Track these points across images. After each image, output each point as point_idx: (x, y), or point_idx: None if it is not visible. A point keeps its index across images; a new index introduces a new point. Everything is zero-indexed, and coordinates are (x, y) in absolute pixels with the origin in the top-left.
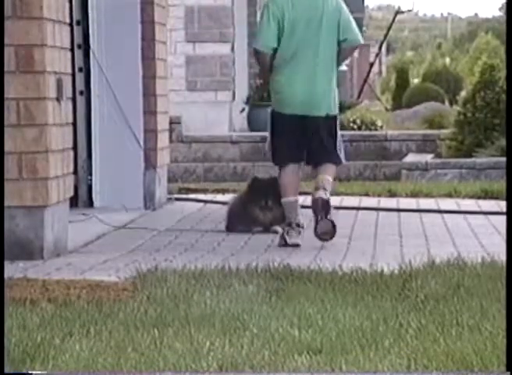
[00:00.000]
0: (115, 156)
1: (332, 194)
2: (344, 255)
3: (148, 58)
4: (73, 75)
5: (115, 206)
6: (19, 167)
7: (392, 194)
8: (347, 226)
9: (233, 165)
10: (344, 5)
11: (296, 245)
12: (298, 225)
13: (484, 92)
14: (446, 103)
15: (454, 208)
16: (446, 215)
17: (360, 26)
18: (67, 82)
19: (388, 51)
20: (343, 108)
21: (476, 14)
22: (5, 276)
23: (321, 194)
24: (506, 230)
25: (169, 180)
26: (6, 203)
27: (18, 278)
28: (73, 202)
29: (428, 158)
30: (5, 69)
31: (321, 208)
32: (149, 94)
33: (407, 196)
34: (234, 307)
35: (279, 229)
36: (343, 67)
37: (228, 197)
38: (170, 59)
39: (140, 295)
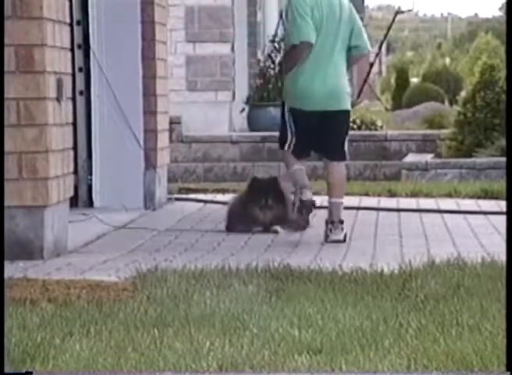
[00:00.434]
0: (115, 156)
1: None
2: (344, 255)
3: (148, 58)
4: (73, 75)
5: (115, 206)
6: (19, 167)
7: (392, 194)
8: (347, 226)
9: (233, 165)
10: (356, 14)
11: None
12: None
13: (484, 92)
14: (446, 103)
15: (454, 208)
16: (446, 215)
17: None
18: (67, 82)
19: (388, 51)
20: None
21: (476, 14)
22: (5, 276)
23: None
24: (506, 230)
25: (169, 180)
26: (6, 203)
27: (18, 278)
28: (73, 202)
29: (428, 158)
30: (5, 69)
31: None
32: (149, 94)
33: (407, 196)
34: (234, 307)
35: (278, 229)
36: None
37: (228, 197)
38: (170, 59)
39: (140, 295)
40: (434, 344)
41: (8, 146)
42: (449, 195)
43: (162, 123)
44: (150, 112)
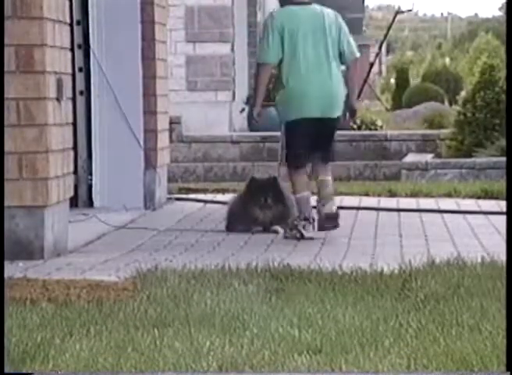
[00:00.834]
0: (115, 156)
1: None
2: (344, 254)
3: (148, 58)
4: (73, 75)
5: (115, 206)
6: (19, 167)
7: (392, 194)
8: (347, 226)
9: (233, 165)
10: (341, 19)
11: (311, 239)
12: (314, 219)
13: (484, 92)
14: (446, 103)
15: (454, 208)
16: (446, 215)
17: (360, 26)
18: (67, 82)
19: (388, 51)
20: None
21: (476, 14)
22: (5, 276)
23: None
24: (506, 230)
25: (169, 180)
26: (6, 203)
27: (18, 278)
28: (73, 202)
29: (428, 158)
30: (5, 69)
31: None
32: (149, 94)
33: (406, 196)
34: (234, 307)
35: (278, 228)
36: (343, 67)
37: (228, 197)
38: (170, 59)
39: (140, 295)
40: (434, 344)
41: (8, 146)
42: (449, 195)
43: (162, 123)
44: (150, 112)
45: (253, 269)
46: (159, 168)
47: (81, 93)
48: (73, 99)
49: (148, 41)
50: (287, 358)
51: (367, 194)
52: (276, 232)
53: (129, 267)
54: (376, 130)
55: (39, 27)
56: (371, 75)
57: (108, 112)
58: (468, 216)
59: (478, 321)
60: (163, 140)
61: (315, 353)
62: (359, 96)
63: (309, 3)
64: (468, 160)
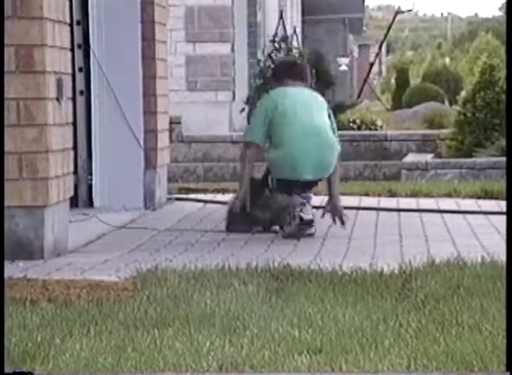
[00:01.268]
0: (115, 156)
1: None
2: (344, 254)
3: (148, 58)
4: (73, 75)
5: (115, 206)
6: (19, 167)
7: (392, 194)
8: (347, 226)
9: (233, 165)
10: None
11: (311, 222)
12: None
13: (484, 92)
14: (446, 103)
15: (454, 208)
16: (446, 215)
17: (360, 26)
18: (67, 82)
19: (388, 51)
20: (343, 108)
21: (476, 14)
22: (5, 276)
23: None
24: (506, 230)
25: (169, 180)
26: (6, 203)
27: (18, 278)
28: (73, 202)
29: (428, 158)
30: (5, 69)
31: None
32: (149, 94)
33: (406, 196)
34: (234, 307)
35: (278, 228)
36: (344, 67)
37: (228, 197)
38: (170, 59)
39: (140, 295)
40: (434, 344)
41: (8, 146)
42: (449, 195)
43: (162, 123)
44: (150, 112)
45: (253, 269)
46: (159, 168)
47: (81, 93)
48: (73, 99)
49: (148, 40)
50: (287, 358)
51: (367, 194)
52: (276, 232)
53: (129, 267)
54: (376, 130)
55: (39, 27)
56: (371, 75)
57: (108, 112)
58: (468, 216)
59: (478, 321)
60: (163, 140)
61: (315, 353)
62: (359, 96)
63: (298, 85)
64: (468, 160)
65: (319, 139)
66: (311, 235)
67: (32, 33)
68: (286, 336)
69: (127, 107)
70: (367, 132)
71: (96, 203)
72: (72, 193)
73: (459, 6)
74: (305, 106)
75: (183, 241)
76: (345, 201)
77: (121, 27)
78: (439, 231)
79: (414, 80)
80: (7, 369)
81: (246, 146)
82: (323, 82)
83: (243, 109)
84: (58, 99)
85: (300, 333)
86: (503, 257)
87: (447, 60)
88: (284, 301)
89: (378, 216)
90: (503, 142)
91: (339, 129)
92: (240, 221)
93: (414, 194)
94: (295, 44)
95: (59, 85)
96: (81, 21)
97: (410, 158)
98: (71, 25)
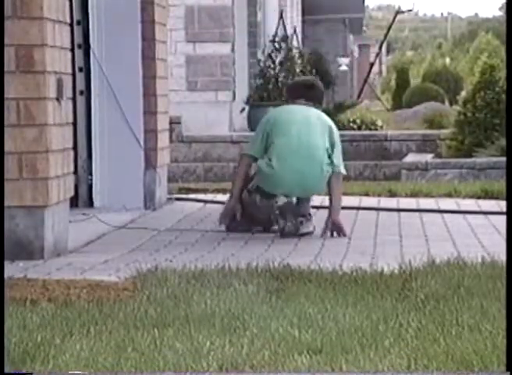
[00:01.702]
0: (115, 156)
1: None
2: (344, 255)
3: (148, 58)
4: (73, 75)
5: (115, 206)
6: (19, 167)
7: (392, 194)
8: (347, 226)
9: (233, 165)
10: (338, 136)
11: (309, 234)
12: (310, 215)
13: (484, 92)
14: (446, 103)
15: (454, 208)
16: (446, 215)
17: (360, 26)
18: (67, 82)
19: (388, 51)
20: (343, 108)
21: (476, 14)
22: (5, 276)
23: None
24: (506, 230)
25: (169, 180)
26: (6, 203)
27: (18, 278)
28: (73, 202)
29: (428, 158)
30: (5, 69)
31: None
32: (149, 94)
33: (406, 196)
34: (234, 307)
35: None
36: (344, 67)
37: (228, 197)
38: (170, 59)
39: (140, 295)
40: (434, 344)
41: (8, 146)
42: (449, 195)
43: (162, 123)
44: (150, 112)
45: (253, 269)
46: (159, 168)
47: (81, 93)
48: (73, 99)
49: (148, 40)
50: (287, 358)
51: (367, 194)
52: (276, 232)
53: (129, 267)
54: (376, 130)
55: (39, 27)
56: (372, 75)
57: (108, 112)
58: (468, 216)
59: (478, 321)
60: (163, 140)
61: (315, 353)
62: (359, 96)
63: (310, 105)
64: (468, 160)
65: (307, 160)
66: (309, 234)
67: (32, 33)
68: (286, 336)
69: (127, 107)
70: (367, 132)
71: (96, 203)
72: (72, 193)
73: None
74: (302, 126)
75: (183, 241)
76: (345, 201)
77: (121, 27)
78: (439, 231)
79: (415, 80)
80: (7, 369)
81: (242, 158)
82: (323, 82)
83: (243, 109)
84: (58, 99)
85: (301, 334)
86: (503, 257)
87: (447, 60)
88: (284, 301)
89: (378, 216)
90: (503, 142)
91: (339, 129)
92: (240, 221)
93: (414, 194)
94: (295, 44)
95: (59, 85)
96: (81, 21)
97: (410, 158)
98: (71, 25)
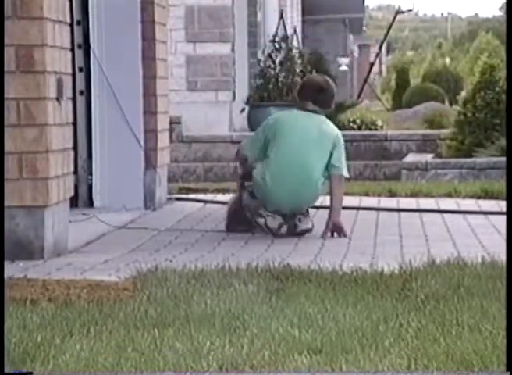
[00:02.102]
0: (115, 156)
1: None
2: (344, 255)
3: (148, 58)
4: (73, 75)
5: (115, 206)
6: (19, 167)
7: (392, 194)
8: (347, 226)
9: (233, 165)
10: (342, 139)
11: (308, 231)
12: (308, 211)
13: (484, 92)
14: (446, 103)
15: (454, 208)
16: (446, 215)
17: (360, 26)
18: (67, 82)
19: (388, 51)
20: (343, 108)
21: (476, 14)
22: (5, 276)
23: None
24: (506, 230)
25: (169, 180)
26: (6, 203)
27: (18, 278)
28: (73, 202)
29: (428, 158)
30: (5, 69)
31: None
32: (149, 94)
33: (406, 196)
34: (234, 307)
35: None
36: (344, 67)
37: (228, 197)
38: (170, 59)
39: (140, 295)
40: (434, 344)
41: (8, 146)
42: (449, 195)
43: (162, 123)
44: (150, 112)
45: (253, 269)
46: (159, 168)
47: (81, 93)
48: (73, 99)
49: (148, 40)
50: (287, 358)
51: (367, 194)
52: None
53: (129, 267)
54: (376, 130)
55: (39, 27)
56: (372, 75)
57: (108, 112)
58: (468, 216)
59: (478, 321)
60: (163, 140)
61: (315, 353)
62: (359, 96)
63: (317, 112)
64: (468, 160)
65: (302, 180)
66: (308, 231)
67: (32, 33)
68: (286, 336)
69: (127, 107)
70: (367, 132)
71: (96, 203)
72: (72, 193)
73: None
74: (300, 142)
75: (183, 241)
76: (345, 201)
77: (121, 27)
78: (439, 231)
79: (415, 80)
80: (7, 369)
81: (238, 152)
82: None
83: (243, 109)
84: (58, 99)
85: (301, 333)
86: (503, 257)
87: (447, 60)
88: (284, 301)
89: (378, 216)
90: (503, 142)
91: (339, 129)
92: (239, 221)
93: (414, 194)
94: (295, 44)
95: (59, 85)
96: (81, 21)
97: (411, 158)
98: (71, 25)
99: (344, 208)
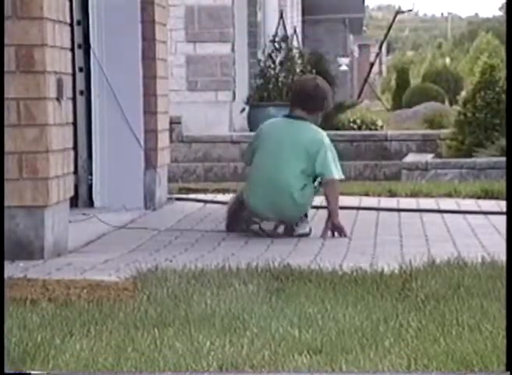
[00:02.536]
0: (115, 156)
1: None
2: (344, 255)
3: (148, 58)
4: (73, 75)
5: (115, 206)
6: (19, 167)
7: (392, 194)
8: (347, 226)
9: (233, 165)
10: (327, 143)
11: (307, 235)
12: (306, 215)
13: (484, 92)
14: (446, 103)
15: (454, 208)
16: (446, 215)
17: (360, 26)
18: (67, 82)
19: (388, 51)
20: (343, 108)
21: (476, 14)
22: (5, 276)
23: None
24: (506, 230)
25: (169, 180)
26: (6, 203)
27: (18, 278)
28: (73, 202)
29: (428, 158)
30: (5, 69)
31: None
32: (149, 94)
33: (406, 196)
34: (234, 307)
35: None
36: (344, 67)
37: (228, 197)
38: (170, 59)
39: (140, 295)
40: (434, 344)
41: (8, 146)
42: (449, 195)
43: (162, 123)
44: (150, 112)
45: (253, 269)
46: (159, 168)
47: (81, 93)
48: (73, 99)
49: (148, 40)
50: (287, 358)
51: (367, 194)
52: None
53: (129, 267)
54: (376, 130)
55: (39, 27)
56: (372, 75)
57: (108, 112)
58: (468, 216)
59: (478, 321)
60: (163, 140)
61: (315, 353)
62: (359, 96)
63: (304, 119)
64: (468, 160)
65: (277, 192)
66: (305, 235)
67: (32, 33)
68: (286, 336)
69: (127, 107)
70: (367, 132)
71: (96, 203)
72: (72, 193)
73: (459, 6)
74: (274, 149)
75: (183, 241)
76: (345, 201)
77: (121, 27)
78: (439, 231)
79: (415, 80)
80: (7, 369)
81: (242, 158)
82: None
83: (243, 109)
84: (58, 99)
85: (301, 333)
86: (503, 257)
87: (447, 60)
88: (284, 301)
89: (378, 215)
90: (503, 142)
91: (339, 129)
92: (239, 221)
93: (414, 194)
94: (295, 44)
95: (59, 85)
96: (81, 21)
97: (411, 158)
98: (71, 25)
99: (344, 208)
